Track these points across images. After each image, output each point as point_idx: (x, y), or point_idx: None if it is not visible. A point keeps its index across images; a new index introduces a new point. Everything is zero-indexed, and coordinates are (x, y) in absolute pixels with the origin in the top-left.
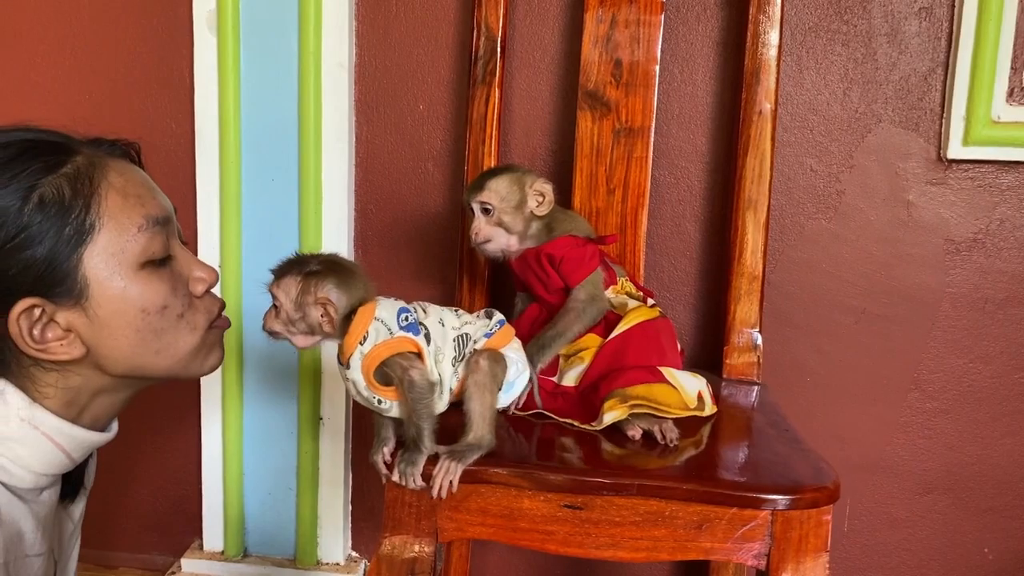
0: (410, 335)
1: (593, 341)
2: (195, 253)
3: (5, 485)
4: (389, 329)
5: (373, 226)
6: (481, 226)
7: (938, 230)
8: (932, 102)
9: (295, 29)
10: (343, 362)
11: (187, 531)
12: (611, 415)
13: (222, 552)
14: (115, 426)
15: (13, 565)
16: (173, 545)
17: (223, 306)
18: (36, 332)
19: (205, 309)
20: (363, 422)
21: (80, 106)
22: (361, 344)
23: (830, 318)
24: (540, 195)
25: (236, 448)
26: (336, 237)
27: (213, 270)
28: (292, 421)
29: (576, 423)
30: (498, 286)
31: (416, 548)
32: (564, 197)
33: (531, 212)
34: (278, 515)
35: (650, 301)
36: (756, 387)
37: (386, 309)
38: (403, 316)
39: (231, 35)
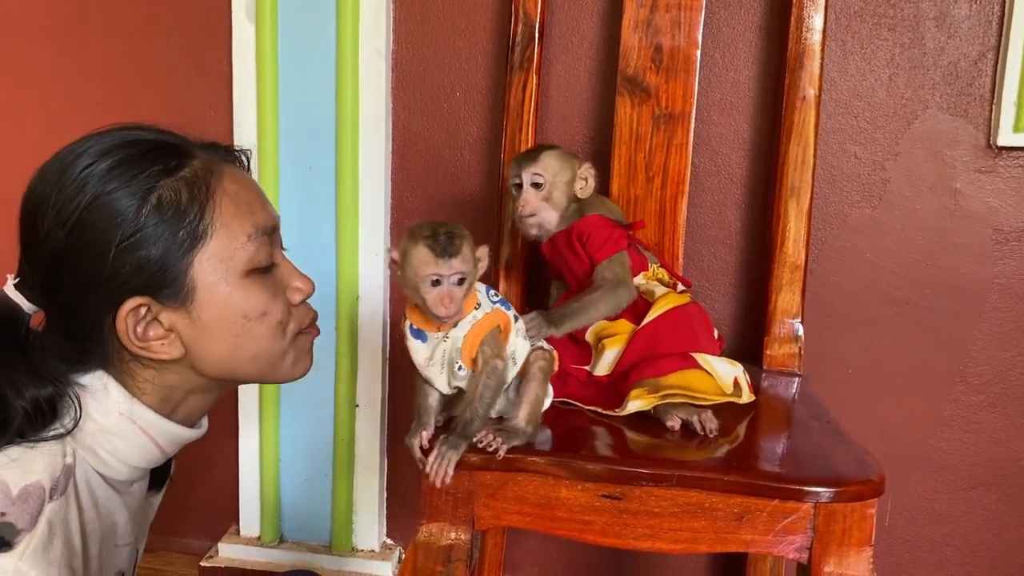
0: (502, 308)
1: (624, 327)
2: None
3: (104, 477)
4: (488, 301)
5: (409, 213)
6: (530, 198)
7: (986, 219)
8: (982, 88)
9: (332, 16)
10: (440, 327)
11: (224, 517)
12: (635, 404)
13: (258, 537)
14: (205, 423)
15: (106, 554)
16: (210, 530)
17: (316, 316)
18: (140, 330)
19: (299, 317)
20: (399, 409)
21: (120, 94)
22: (476, 309)
23: (873, 309)
24: (585, 179)
25: (273, 435)
26: (372, 224)
27: (311, 281)
28: (328, 408)
29: (600, 409)
30: (534, 274)
31: (452, 535)
32: (602, 184)
33: (574, 193)
34: (314, 501)
35: (680, 287)
36: (797, 378)
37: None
38: (491, 292)
39: (269, 23)
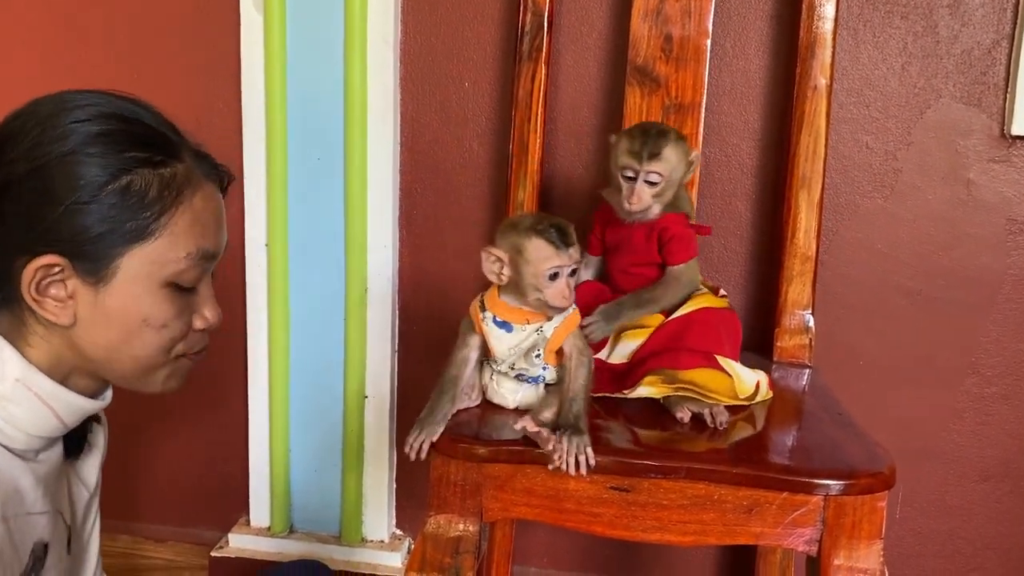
0: (575, 306)
1: (655, 320)
2: (242, 230)
3: (1, 444)
4: None
5: (418, 205)
6: (644, 196)
7: (1000, 209)
8: (996, 76)
9: (340, 6)
10: (531, 320)
11: (234, 507)
12: (646, 389)
13: (268, 528)
14: (108, 394)
15: (14, 522)
16: (221, 520)
17: (207, 346)
18: (43, 284)
19: (192, 342)
20: (408, 400)
21: (127, 86)
22: None
23: (885, 300)
24: (691, 164)
25: (282, 425)
26: (381, 216)
27: (220, 315)
28: (338, 399)
29: (607, 393)
30: None
31: (461, 527)
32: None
33: (679, 185)
34: (323, 492)
35: (721, 292)
36: (807, 370)
37: None
38: None
39: (277, 14)
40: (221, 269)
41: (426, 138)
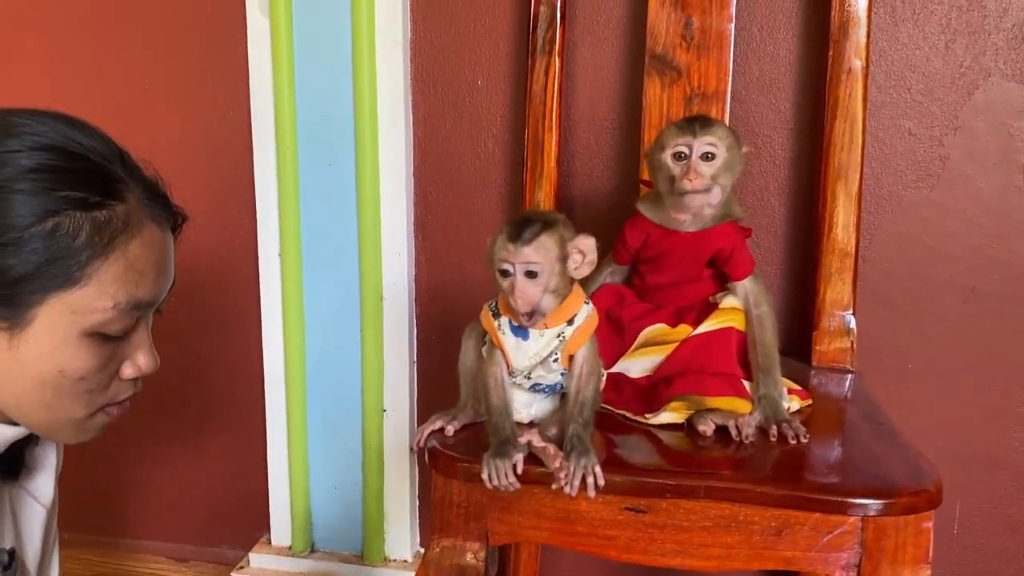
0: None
1: (684, 332)
2: (255, 241)
3: None
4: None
5: (433, 209)
6: (704, 171)
7: None
8: None
9: (348, 7)
10: (550, 324)
11: (256, 525)
12: (670, 415)
13: (289, 547)
14: None
15: None
16: (243, 539)
17: (136, 393)
18: None
19: (115, 391)
20: (428, 413)
21: (134, 96)
22: (586, 304)
23: (933, 298)
24: (743, 156)
25: (301, 441)
26: (395, 221)
27: (155, 363)
28: (356, 413)
29: (629, 414)
30: None
31: (466, 552)
32: (632, 172)
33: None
34: (345, 510)
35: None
36: (849, 375)
37: None
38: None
39: (283, 17)
40: (235, 281)
41: (439, 140)
